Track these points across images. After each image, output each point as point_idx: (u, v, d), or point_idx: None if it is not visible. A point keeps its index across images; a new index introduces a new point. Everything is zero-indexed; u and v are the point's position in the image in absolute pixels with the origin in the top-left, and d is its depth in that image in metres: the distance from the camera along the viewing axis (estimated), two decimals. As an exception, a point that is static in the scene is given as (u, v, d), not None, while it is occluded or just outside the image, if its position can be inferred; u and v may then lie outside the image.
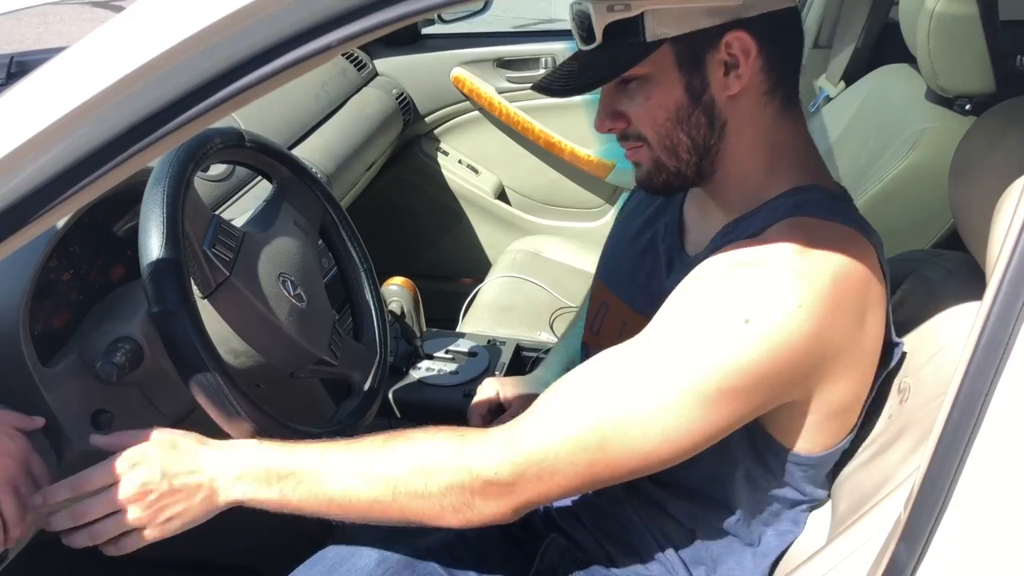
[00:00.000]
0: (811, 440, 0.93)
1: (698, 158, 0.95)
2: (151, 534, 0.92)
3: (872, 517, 0.81)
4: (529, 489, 0.87)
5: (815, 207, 0.90)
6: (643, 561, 1.06)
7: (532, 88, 0.98)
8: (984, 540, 0.69)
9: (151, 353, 1.04)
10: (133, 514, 0.91)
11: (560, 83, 0.94)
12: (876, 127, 1.77)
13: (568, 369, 1.35)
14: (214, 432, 1.01)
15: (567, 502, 1.14)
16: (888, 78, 1.87)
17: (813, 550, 0.90)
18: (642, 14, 0.87)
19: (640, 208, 1.16)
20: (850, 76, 2.07)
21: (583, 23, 0.91)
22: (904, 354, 0.95)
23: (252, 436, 0.99)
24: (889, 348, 0.94)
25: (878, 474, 0.92)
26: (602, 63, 0.91)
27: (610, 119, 0.96)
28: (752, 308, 0.82)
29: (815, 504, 1.02)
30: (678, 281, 0.96)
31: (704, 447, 0.87)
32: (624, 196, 2.40)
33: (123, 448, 0.93)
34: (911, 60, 1.65)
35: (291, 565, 1.11)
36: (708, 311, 0.85)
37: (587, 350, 1.18)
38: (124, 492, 0.90)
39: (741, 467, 0.98)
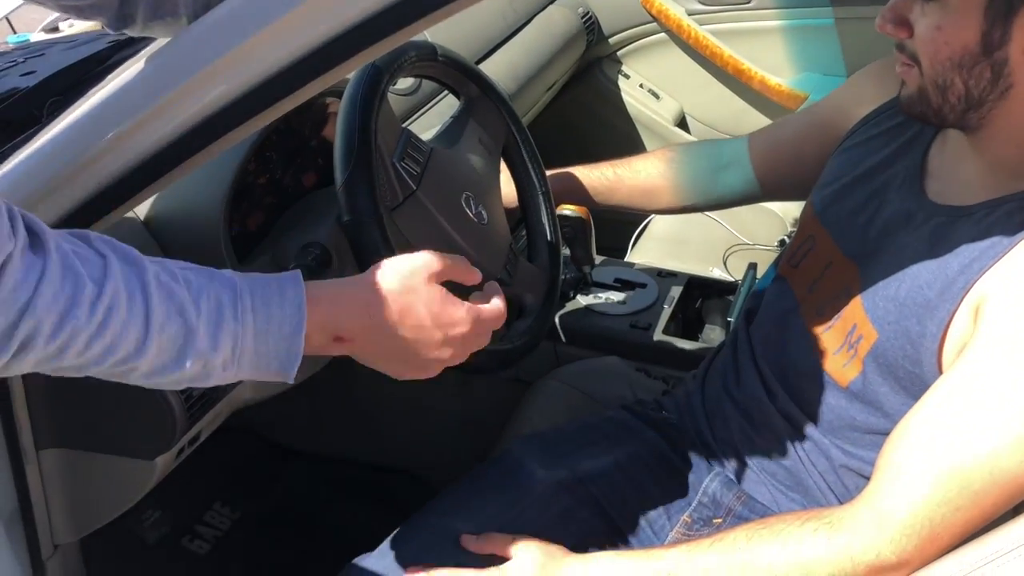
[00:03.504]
0: None
1: (967, 107, 0.87)
2: None
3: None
4: (916, 559, 0.82)
5: None
6: None
7: None
8: None
9: (338, 259, 1.08)
10: None
11: None
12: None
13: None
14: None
15: (729, 439, 1.11)
16: None
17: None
18: None
19: (877, 142, 1.07)
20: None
21: None
22: None
23: None
24: None
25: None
26: None
27: (893, 23, 0.89)
28: None
29: None
30: (921, 234, 0.90)
31: None
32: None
33: (490, 550, 0.97)
34: None
35: (450, 474, 1.14)
36: None
37: (781, 282, 1.12)
38: None
39: None
